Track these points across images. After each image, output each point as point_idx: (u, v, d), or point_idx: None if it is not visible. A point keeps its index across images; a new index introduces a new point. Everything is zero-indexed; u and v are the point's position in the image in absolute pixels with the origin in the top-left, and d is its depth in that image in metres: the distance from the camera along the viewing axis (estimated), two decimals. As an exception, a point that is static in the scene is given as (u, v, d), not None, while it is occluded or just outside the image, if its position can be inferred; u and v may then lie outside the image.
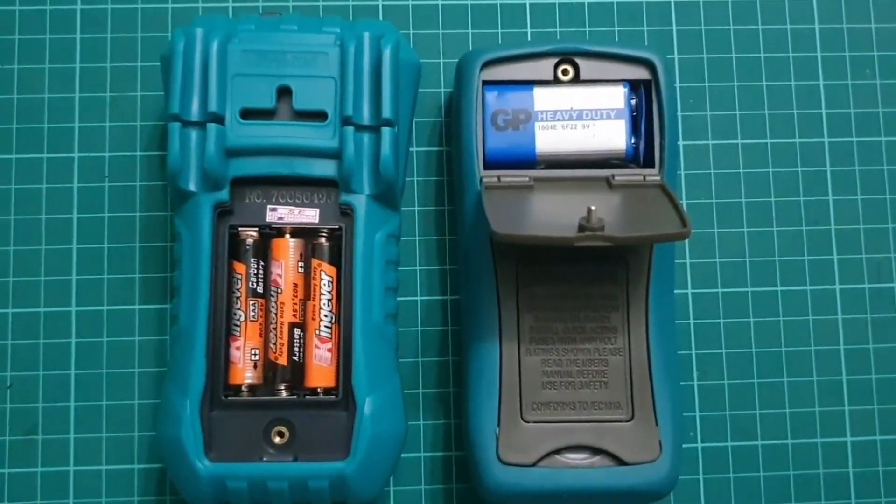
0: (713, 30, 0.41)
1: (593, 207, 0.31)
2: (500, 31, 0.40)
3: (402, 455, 0.37)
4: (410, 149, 0.39)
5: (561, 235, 0.31)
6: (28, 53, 0.39)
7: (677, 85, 0.40)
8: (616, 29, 0.41)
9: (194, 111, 0.34)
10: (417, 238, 0.39)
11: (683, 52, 0.41)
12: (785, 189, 0.40)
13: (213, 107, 0.34)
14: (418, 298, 0.39)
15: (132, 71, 0.39)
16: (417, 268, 0.39)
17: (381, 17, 0.40)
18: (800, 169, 0.40)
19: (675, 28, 0.41)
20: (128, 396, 0.38)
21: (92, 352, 0.38)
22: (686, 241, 0.39)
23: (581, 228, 0.31)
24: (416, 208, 0.39)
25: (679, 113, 0.40)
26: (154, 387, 0.38)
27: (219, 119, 0.34)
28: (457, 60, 0.39)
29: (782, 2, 0.41)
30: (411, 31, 0.40)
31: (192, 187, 0.34)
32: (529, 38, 0.40)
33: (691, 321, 0.39)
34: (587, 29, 0.41)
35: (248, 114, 0.34)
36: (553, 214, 0.33)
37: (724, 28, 0.41)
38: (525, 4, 0.41)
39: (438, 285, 0.39)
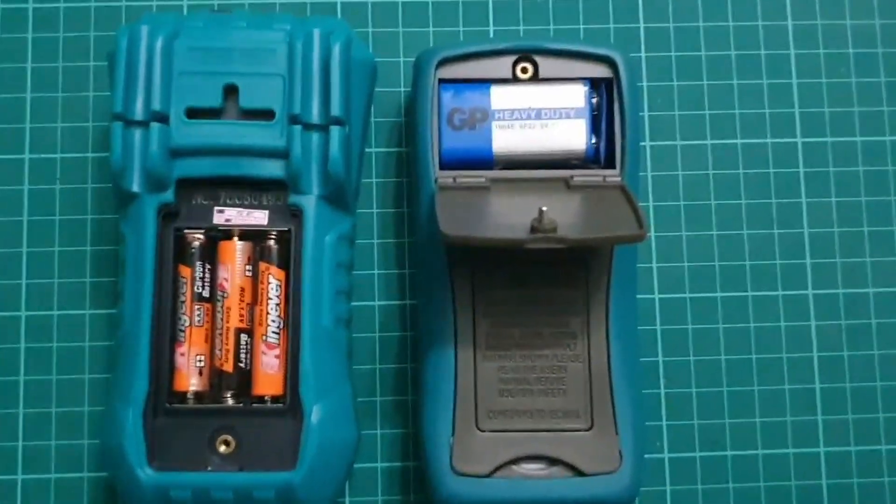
0: (682, 27, 0.40)
1: (545, 208, 0.30)
2: (461, 28, 0.39)
3: (358, 465, 0.36)
4: (368, 149, 0.38)
5: (512, 238, 0.30)
6: (-21, 53, 0.39)
7: (643, 84, 0.39)
8: (581, 26, 0.39)
9: (138, 110, 0.33)
10: (376, 241, 0.38)
11: (651, 50, 0.39)
12: (756, 191, 0.39)
13: (156, 105, 0.33)
14: (376, 303, 0.38)
15: (84, 70, 0.39)
16: (375, 271, 0.38)
17: (339, 15, 0.39)
18: (771, 170, 0.39)
19: (642, 25, 0.40)
20: (77, 403, 0.37)
21: (41, 357, 0.37)
22: (653, 244, 0.38)
23: (533, 230, 0.30)
24: (375, 210, 0.38)
25: (645, 112, 0.39)
26: (105, 393, 0.37)
27: (163, 118, 0.33)
28: (416, 59, 0.38)
29: (753, -1, 0.40)
30: (370, 29, 0.39)
31: (135, 188, 0.33)
32: (492, 36, 0.39)
33: (658, 327, 0.38)
34: (551, 27, 0.39)
35: (193, 113, 0.33)
36: (507, 216, 0.32)
37: (692, 25, 0.40)
38: (487, 2, 0.39)
39: (397, 289, 0.38)
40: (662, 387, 0.38)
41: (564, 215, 0.31)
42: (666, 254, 0.38)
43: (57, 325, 0.37)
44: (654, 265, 0.38)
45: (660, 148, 0.39)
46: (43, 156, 0.38)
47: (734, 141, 0.39)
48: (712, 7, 0.40)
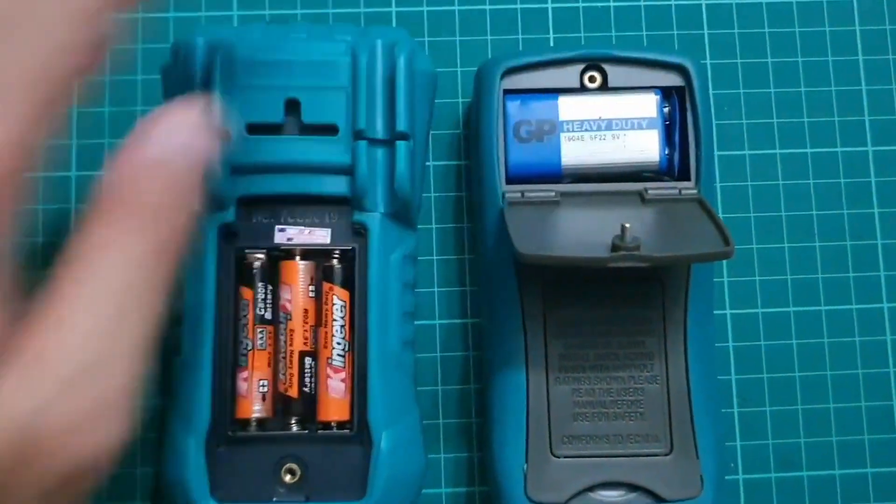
0: (747, 33, 0.38)
1: (628, 225, 0.29)
2: (520, 37, 0.38)
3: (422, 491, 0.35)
4: (427, 163, 0.37)
5: (592, 256, 0.29)
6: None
7: (711, 91, 0.38)
8: (644, 33, 0.38)
9: (197, 126, 0.32)
10: (435, 258, 0.37)
11: (716, 58, 0.38)
12: (827, 202, 0.38)
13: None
14: (437, 322, 0.37)
15: (132, 85, 0.37)
16: (436, 289, 0.37)
17: (393, 25, 0.38)
18: (842, 180, 0.38)
19: (706, 32, 0.38)
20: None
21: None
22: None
23: (615, 248, 0.29)
24: (434, 226, 0.37)
25: (713, 122, 0.37)
26: (156, 420, 0.35)
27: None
28: (475, 69, 0.37)
29: (820, 3, 0.39)
30: (426, 39, 0.38)
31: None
32: (552, 45, 0.38)
33: (730, 344, 0.37)
34: (613, 34, 0.38)
35: (253, 128, 0.32)
36: (583, 232, 0.31)
37: (758, 31, 0.38)
38: (547, 9, 0.38)
39: (458, 308, 0.37)
40: (736, 406, 0.36)
41: (644, 231, 0.30)
42: (737, 268, 0.37)
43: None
44: (725, 279, 0.37)
45: (727, 158, 0.38)
46: (89, 173, 0.37)
47: (804, 150, 0.38)
48: (778, 12, 0.39)
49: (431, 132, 0.37)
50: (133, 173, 0.22)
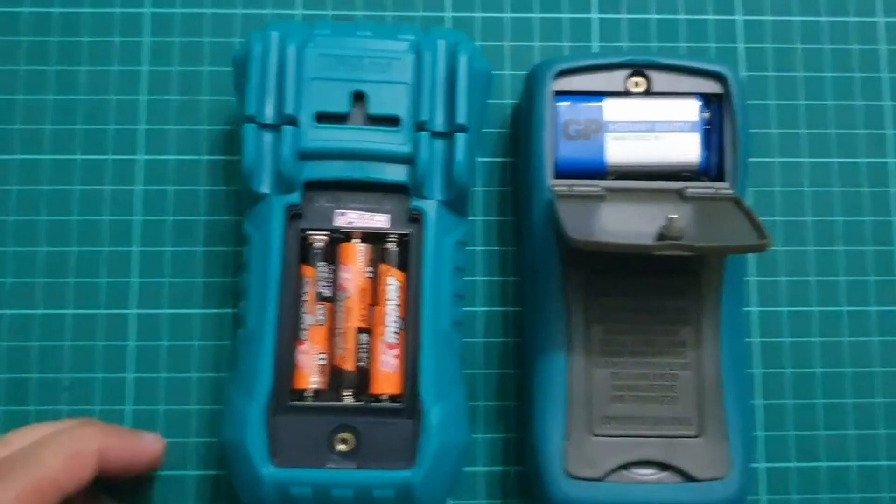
0: (779, 48, 0.41)
1: (674, 216, 0.31)
2: (566, 44, 0.40)
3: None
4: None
5: (640, 243, 0.31)
6: (96, 55, 0.40)
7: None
8: (683, 45, 0.41)
9: (269, 114, 0.34)
10: (479, 248, 0.39)
11: (749, 70, 0.41)
12: (849, 209, 0.40)
13: (288, 109, 0.34)
14: (478, 309, 0.39)
15: (199, 75, 0.40)
16: (478, 278, 0.39)
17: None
18: (865, 189, 0.40)
19: (740, 45, 0.41)
20: (185, 401, 0.37)
21: (150, 355, 0.38)
22: (750, 258, 0.39)
23: (660, 237, 0.31)
24: (479, 218, 0.39)
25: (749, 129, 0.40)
26: (212, 392, 0.37)
27: (293, 122, 0.34)
28: (522, 73, 0.39)
29: (847, 23, 0.41)
30: (477, 43, 0.40)
31: (264, 189, 0.34)
32: (596, 51, 0.40)
33: (756, 339, 0.39)
34: (654, 44, 0.40)
35: (322, 117, 0.34)
36: (628, 223, 0.33)
37: (790, 47, 0.41)
38: (592, 19, 0.41)
39: (500, 296, 0.39)
40: (760, 398, 0.38)
41: (684, 225, 0.32)
42: (763, 268, 0.39)
43: (167, 324, 0.38)
44: (753, 279, 0.39)
45: (757, 164, 0.40)
46: (156, 157, 0.39)
47: (829, 160, 0.40)
48: (809, 30, 0.41)
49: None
50: None
